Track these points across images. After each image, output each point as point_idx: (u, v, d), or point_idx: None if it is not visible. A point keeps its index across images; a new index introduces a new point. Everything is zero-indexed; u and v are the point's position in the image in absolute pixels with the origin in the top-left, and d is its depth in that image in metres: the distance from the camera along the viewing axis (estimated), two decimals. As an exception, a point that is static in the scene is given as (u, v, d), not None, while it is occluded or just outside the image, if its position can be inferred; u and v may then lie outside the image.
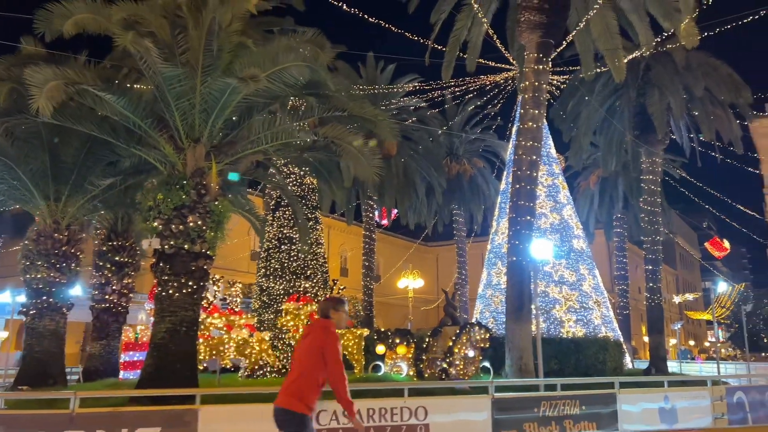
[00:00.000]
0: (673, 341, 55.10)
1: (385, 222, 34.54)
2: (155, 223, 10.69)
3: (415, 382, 9.67)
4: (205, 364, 12.56)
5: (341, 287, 14.26)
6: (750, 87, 21.51)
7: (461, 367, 14.61)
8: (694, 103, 21.12)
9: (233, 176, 11.40)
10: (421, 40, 19.05)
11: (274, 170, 14.64)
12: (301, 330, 12.83)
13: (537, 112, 15.32)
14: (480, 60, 22.31)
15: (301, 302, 12.92)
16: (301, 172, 16.31)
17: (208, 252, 11.01)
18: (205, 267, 10.99)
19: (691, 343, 66.35)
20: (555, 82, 26.04)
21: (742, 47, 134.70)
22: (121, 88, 10.78)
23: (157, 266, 10.83)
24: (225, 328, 12.76)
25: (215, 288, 12.72)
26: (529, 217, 15.21)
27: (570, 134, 24.60)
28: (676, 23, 15.66)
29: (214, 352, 12.56)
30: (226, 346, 12.61)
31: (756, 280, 61.65)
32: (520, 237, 14.98)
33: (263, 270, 16.31)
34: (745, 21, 15.92)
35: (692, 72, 20.56)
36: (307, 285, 15.38)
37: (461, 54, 18.41)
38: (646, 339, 35.82)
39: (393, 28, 18.58)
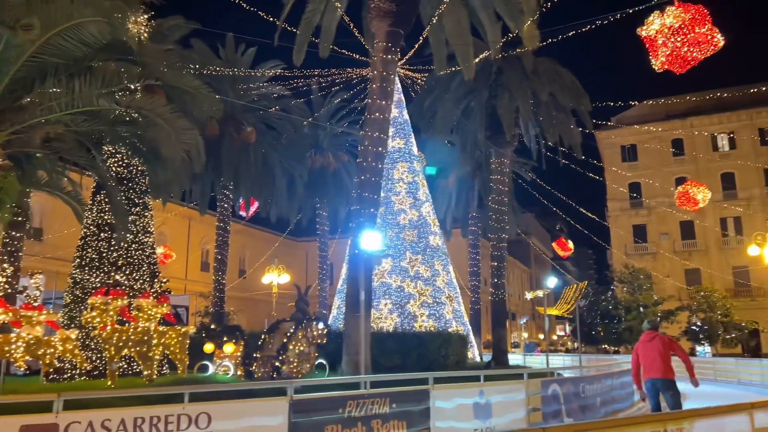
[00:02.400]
0: (525, 335, 58.54)
1: (244, 213, 32.88)
2: None
3: (198, 385, 8.72)
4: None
5: (164, 280, 12.88)
6: (593, 97, 23.02)
7: (295, 364, 13.87)
8: (540, 107, 22.06)
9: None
10: (276, 21, 18.00)
11: (91, 146, 12.93)
12: (109, 328, 11.37)
13: (384, 102, 14.95)
14: (343, 51, 21.75)
15: (111, 296, 11.42)
16: (128, 152, 14.65)
17: (-17, 235, 9.32)
18: (-23, 252, 9.30)
19: (541, 336, 71.15)
20: (419, 80, 26.18)
21: (591, 60, 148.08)
22: None
23: None
24: (11, 325, 10.91)
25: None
26: (372, 210, 14.79)
27: (428, 132, 24.80)
28: (520, 25, 16.05)
29: (-4, 353, 10.69)
30: (13, 346, 10.79)
31: (599, 278, 67.59)
32: (362, 229, 14.48)
33: (78, 260, 14.41)
34: (585, 28, 16.70)
35: (539, 77, 21.46)
36: (120, 277, 13.72)
37: (315, 39, 17.64)
38: (495, 333, 37.42)
39: (244, 5, 17.35)
